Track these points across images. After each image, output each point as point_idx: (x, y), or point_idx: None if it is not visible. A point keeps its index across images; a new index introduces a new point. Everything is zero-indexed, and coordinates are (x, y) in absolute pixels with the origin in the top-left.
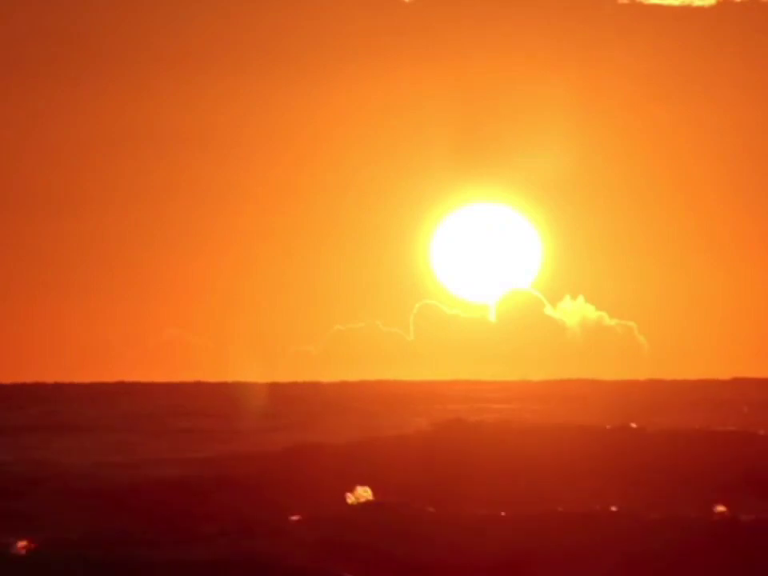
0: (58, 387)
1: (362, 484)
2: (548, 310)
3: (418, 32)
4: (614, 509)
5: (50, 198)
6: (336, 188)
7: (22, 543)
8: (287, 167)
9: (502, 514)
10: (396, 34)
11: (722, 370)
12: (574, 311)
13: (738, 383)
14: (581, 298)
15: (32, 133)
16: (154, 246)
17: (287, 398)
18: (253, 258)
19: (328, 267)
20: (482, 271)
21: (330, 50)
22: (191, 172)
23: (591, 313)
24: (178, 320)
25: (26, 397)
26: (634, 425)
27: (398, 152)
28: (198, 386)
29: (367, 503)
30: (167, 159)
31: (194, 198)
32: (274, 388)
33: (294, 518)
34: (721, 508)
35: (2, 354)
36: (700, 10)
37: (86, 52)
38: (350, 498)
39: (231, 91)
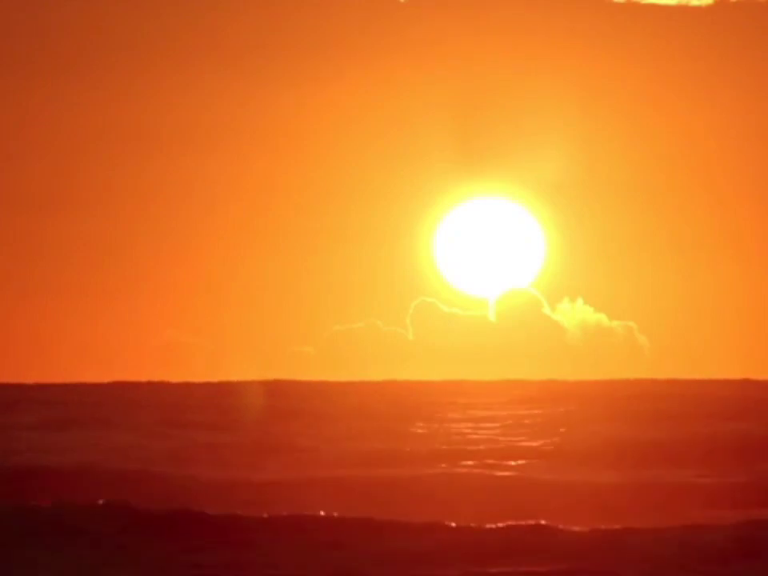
0: (57, 387)
1: None
2: (547, 311)
3: (414, 31)
4: None
5: (49, 198)
6: (335, 186)
7: None
8: (286, 166)
9: None
10: (392, 32)
11: (724, 370)
12: (574, 313)
13: (738, 384)
14: (580, 300)
15: (31, 132)
16: (153, 246)
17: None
18: (251, 258)
19: (328, 267)
20: (484, 268)
21: (326, 49)
22: (191, 173)
23: (590, 315)
24: (177, 321)
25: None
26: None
27: (398, 152)
28: (198, 386)
29: None
30: (167, 160)
31: (192, 198)
32: (271, 388)
33: None
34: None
35: (1, 355)
36: (697, 9)
37: (85, 52)
38: None
39: (230, 91)
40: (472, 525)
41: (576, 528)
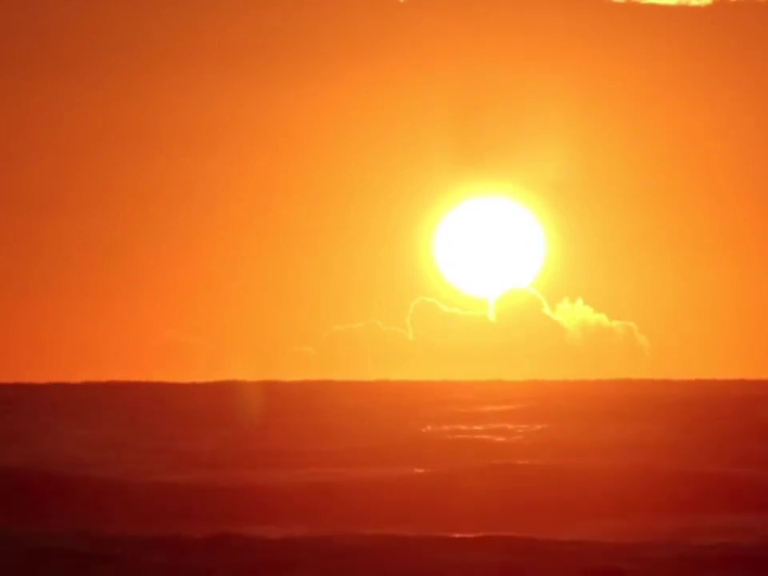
0: (57, 387)
1: None
2: (547, 311)
3: (414, 31)
4: None
5: (49, 198)
6: (335, 186)
7: None
8: (286, 166)
9: None
10: (392, 32)
11: (724, 371)
12: (574, 313)
13: (739, 384)
14: (579, 301)
15: (31, 132)
16: (153, 246)
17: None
18: (251, 258)
19: (328, 267)
20: (484, 268)
21: (325, 49)
22: (191, 173)
23: (590, 315)
24: (177, 321)
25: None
26: None
27: (398, 152)
28: (199, 386)
29: None
30: (167, 160)
31: (192, 198)
32: (270, 388)
33: None
34: None
35: (1, 354)
36: (696, 9)
37: (85, 52)
38: None
39: (230, 91)
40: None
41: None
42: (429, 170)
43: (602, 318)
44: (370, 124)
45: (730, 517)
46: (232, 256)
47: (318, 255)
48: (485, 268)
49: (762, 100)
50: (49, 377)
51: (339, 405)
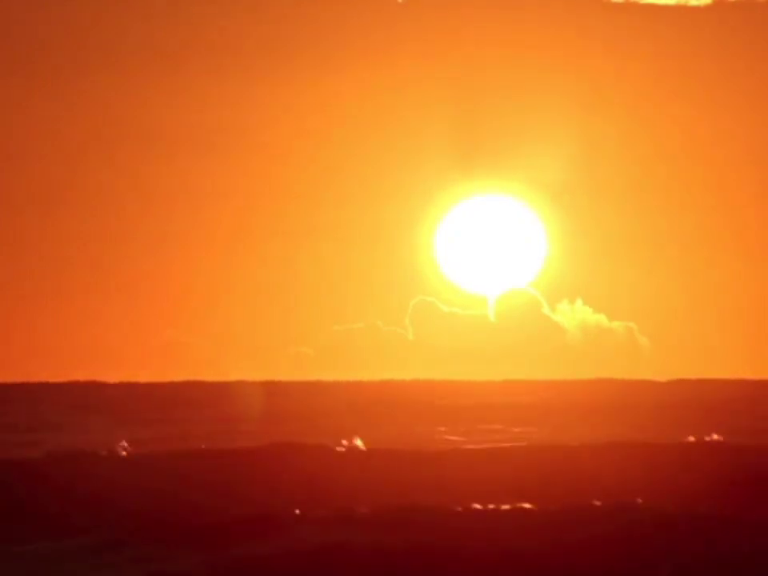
0: (58, 387)
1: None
2: (546, 311)
3: (412, 30)
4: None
5: (49, 198)
6: (335, 185)
7: None
8: (285, 166)
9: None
10: (391, 32)
11: (725, 370)
12: (574, 313)
13: (739, 384)
14: (579, 302)
15: (31, 132)
16: (152, 246)
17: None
18: (251, 258)
19: (327, 267)
20: (484, 266)
21: (324, 48)
22: (190, 173)
23: (590, 315)
24: (177, 321)
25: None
26: None
27: (398, 150)
28: (199, 385)
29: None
30: (167, 160)
31: (192, 198)
32: (269, 388)
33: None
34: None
35: (1, 354)
36: (695, 9)
37: (85, 52)
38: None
39: (230, 91)
40: None
41: None
42: (429, 169)
43: (602, 319)
44: (370, 123)
45: None
46: (231, 256)
47: (316, 255)
48: (485, 267)
49: (761, 100)
50: (49, 377)
51: None
